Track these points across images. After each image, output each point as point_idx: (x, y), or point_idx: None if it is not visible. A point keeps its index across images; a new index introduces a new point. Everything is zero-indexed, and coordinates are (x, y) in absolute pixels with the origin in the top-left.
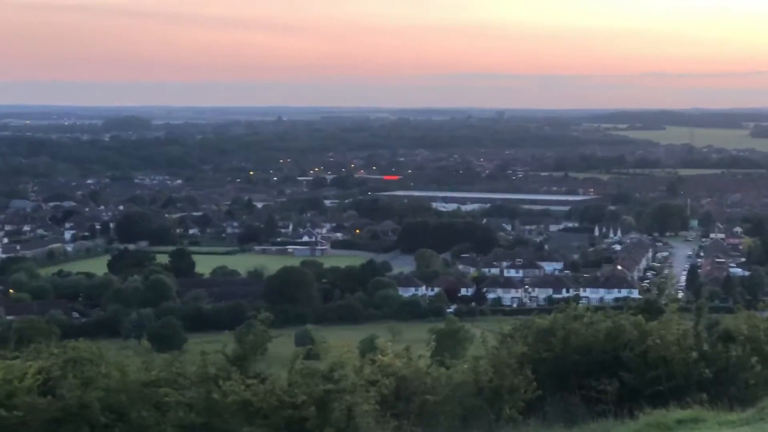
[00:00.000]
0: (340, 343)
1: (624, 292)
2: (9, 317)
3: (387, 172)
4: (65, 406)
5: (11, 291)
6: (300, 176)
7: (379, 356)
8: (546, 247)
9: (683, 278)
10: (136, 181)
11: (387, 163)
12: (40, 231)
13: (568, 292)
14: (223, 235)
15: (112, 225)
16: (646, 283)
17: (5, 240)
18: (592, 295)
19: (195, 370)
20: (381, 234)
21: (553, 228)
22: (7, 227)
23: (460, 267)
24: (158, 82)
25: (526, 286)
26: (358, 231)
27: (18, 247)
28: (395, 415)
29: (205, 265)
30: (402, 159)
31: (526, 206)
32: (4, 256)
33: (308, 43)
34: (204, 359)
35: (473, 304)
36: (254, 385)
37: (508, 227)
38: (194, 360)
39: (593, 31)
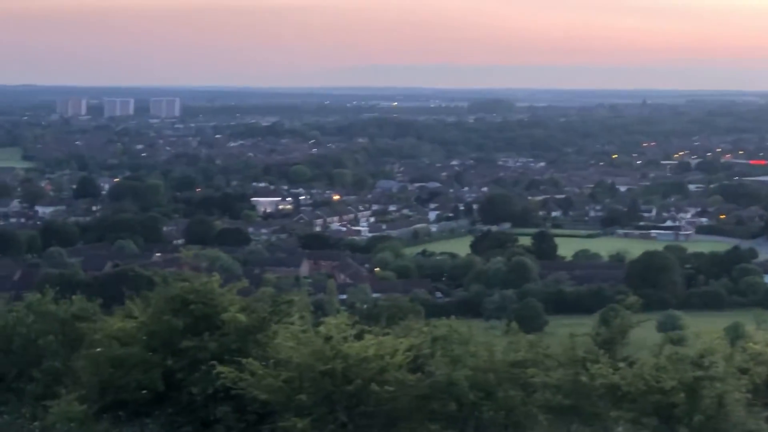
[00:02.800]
0: (708, 329)
1: None
2: (375, 295)
3: (754, 157)
4: (434, 382)
5: (377, 269)
6: (663, 160)
7: (750, 344)
8: None
9: None
10: (500, 163)
11: (754, 147)
12: (405, 211)
13: None
14: (586, 218)
15: (475, 206)
16: None
17: (372, 219)
18: None
19: (563, 352)
20: (747, 220)
21: None
22: (374, 207)
23: None
24: (522, 65)
25: None
26: (722, 216)
27: (384, 227)
28: (767, 404)
29: (566, 247)
30: None
31: None
32: (370, 235)
33: (674, 25)
34: (572, 341)
35: None
36: (622, 368)
37: None
38: (557, 342)
39: None
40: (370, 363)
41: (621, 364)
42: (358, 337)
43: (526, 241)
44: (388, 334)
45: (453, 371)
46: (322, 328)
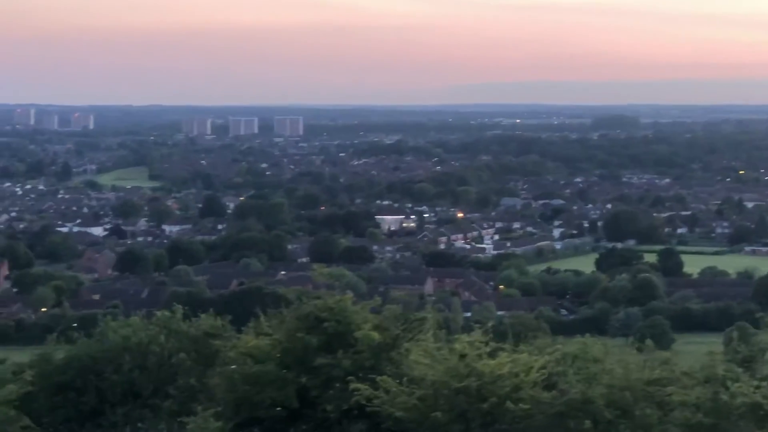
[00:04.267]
0: None
1: None
2: (499, 312)
3: None
4: (569, 400)
5: (501, 287)
6: None
7: None
8: None
9: None
10: (624, 179)
11: None
12: (529, 228)
13: None
14: (712, 234)
15: (599, 223)
16: None
17: (496, 237)
18: None
19: (701, 370)
20: None
21: None
22: (498, 224)
23: None
24: (646, 80)
25: None
26: None
27: (508, 244)
28: None
29: (693, 264)
30: None
31: None
32: (494, 252)
33: None
34: (712, 359)
35: None
36: (763, 387)
37: None
38: (685, 360)
39: None
40: (505, 381)
41: (762, 383)
42: (492, 354)
43: (651, 258)
44: (522, 351)
45: (588, 389)
46: (456, 346)
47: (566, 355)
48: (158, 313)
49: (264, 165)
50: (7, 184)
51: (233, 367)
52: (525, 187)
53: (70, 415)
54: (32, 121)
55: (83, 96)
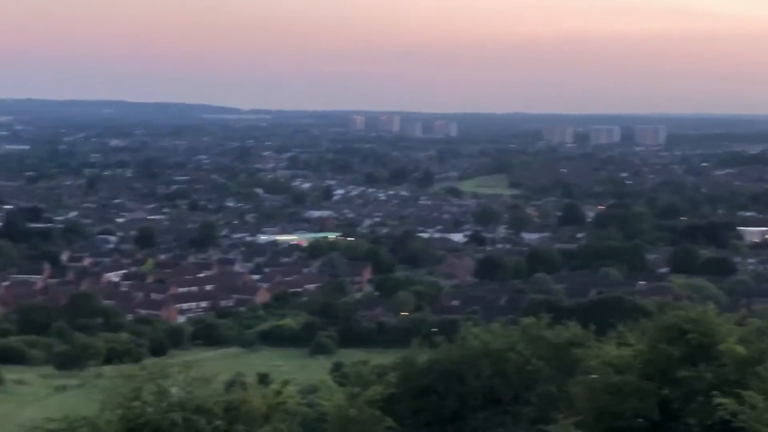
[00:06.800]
0: None
1: None
2: None
3: None
4: None
5: None
6: None
7: None
8: None
9: None
10: None
11: None
12: None
13: None
14: None
15: None
16: None
17: None
18: None
19: None
20: None
21: None
22: None
23: None
24: None
25: None
26: None
27: None
28: None
29: None
30: None
31: None
32: None
33: None
34: None
35: None
36: None
37: None
38: None
39: None
40: None
41: None
42: None
43: None
44: None
45: None
46: None
47: None
48: (523, 321)
49: (624, 174)
50: (371, 189)
51: (594, 376)
52: None
53: (431, 418)
54: (396, 128)
55: (447, 104)
